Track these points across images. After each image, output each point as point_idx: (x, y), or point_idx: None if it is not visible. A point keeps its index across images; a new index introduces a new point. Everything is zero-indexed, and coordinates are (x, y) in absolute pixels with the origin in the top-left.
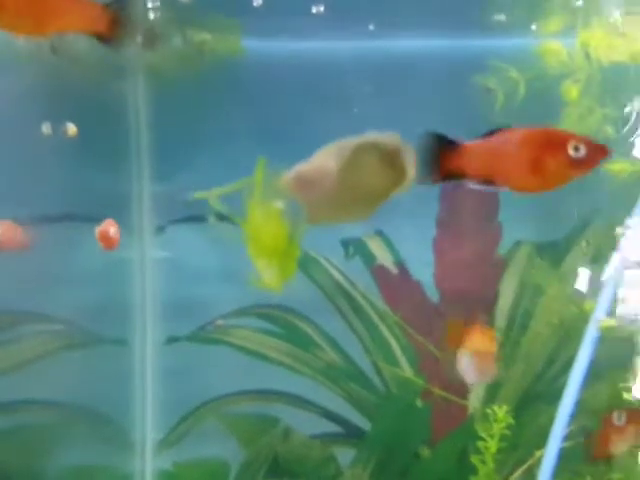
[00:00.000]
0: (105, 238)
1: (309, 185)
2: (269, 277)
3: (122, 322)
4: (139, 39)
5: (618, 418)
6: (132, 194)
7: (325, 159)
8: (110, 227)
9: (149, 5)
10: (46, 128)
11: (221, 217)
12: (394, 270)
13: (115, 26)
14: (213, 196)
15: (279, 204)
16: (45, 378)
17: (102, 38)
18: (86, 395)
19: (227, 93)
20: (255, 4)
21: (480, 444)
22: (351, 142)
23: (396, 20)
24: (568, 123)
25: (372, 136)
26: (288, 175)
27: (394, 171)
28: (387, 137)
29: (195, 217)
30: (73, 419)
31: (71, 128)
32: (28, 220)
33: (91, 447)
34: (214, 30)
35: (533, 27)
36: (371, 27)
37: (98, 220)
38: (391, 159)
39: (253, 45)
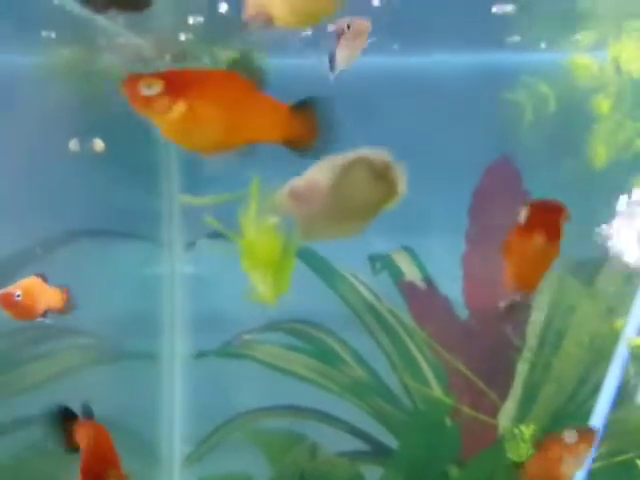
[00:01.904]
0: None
1: (302, 200)
2: (264, 291)
3: (151, 336)
4: (168, 57)
5: (569, 436)
6: (162, 210)
7: (317, 175)
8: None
9: (179, 23)
10: (74, 145)
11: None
12: (422, 286)
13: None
14: (202, 203)
15: (273, 219)
16: (76, 391)
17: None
18: (115, 408)
19: None
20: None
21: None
22: (342, 158)
23: (424, 37)
24: (599, 137)
25: (363, 152)
26: (282, 191)
27: (384, 186)
28: (377, 153)
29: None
30: None
31: (99, 144)
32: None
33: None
34: (240, 49)
35: (563, 41)
36: (395, 46)
37: (129, 236)
38: (381, 174)
39: (278, 62)
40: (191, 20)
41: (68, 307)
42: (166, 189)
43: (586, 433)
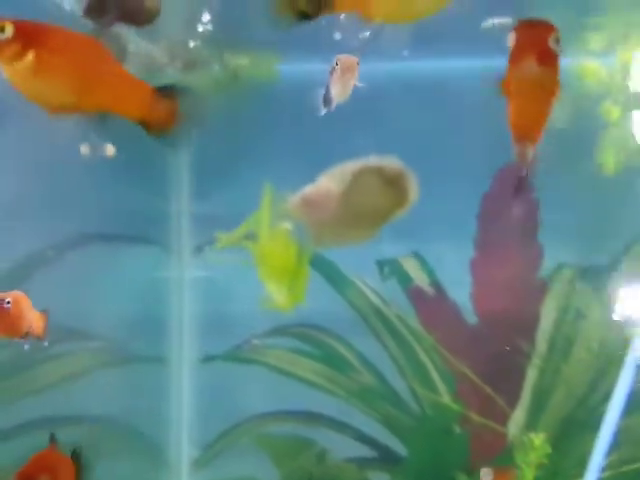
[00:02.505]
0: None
1: (314, 207)
2: (280, 298)
3: (160, 340)
4: (179, 63)
5: (486, 475)
6: (172, 215)
7: (329, 182)
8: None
9: (189, 30)
10: (84, 149)
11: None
12: (430, 291)
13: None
14: (225, 242)
15: (287, 226)
16: (85, 394)
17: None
18: (124, 411)
19: (264, 115)
20: (289, 29)
21: (517, 473)
22: (353, 166)
23: (433, 43)
24: (608, 143)
25: (374, 160)
26: (294, 198)
27: (395, 193)
28: (388, 161)
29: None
30: (111, 435)
31: (109, 148)
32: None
33: (128, 463)
34: (250, 55)
35: (572, 47)
36: (405, 52)
37: (139, 240)
38: (392, 182)
39: (287, 69)
40: (201, 27)
41: (45, 334)
42: (175, 194)
43: (502, 472)
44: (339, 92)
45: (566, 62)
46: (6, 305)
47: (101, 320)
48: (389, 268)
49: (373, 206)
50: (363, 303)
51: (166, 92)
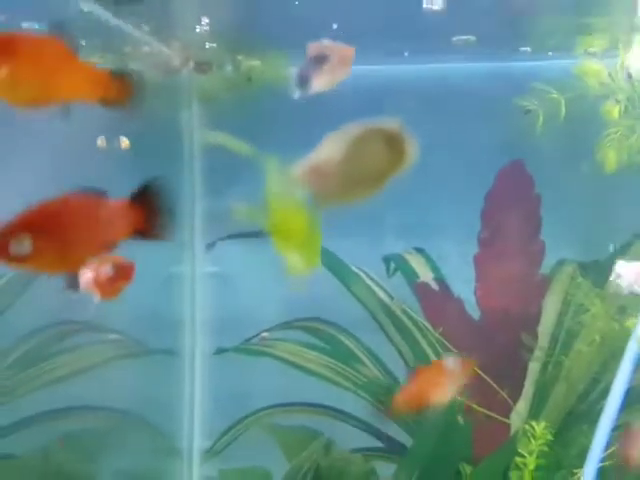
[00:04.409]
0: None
1: (318, 172)
2: (297, 264)
3: (173, 333)
4: (192, 65)
5: (450, 362)
6: (185, 211)
7: (330, 146)
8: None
9: (202, 32)
10: (100, 142)
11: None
12: (435, 287)
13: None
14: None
15: (295, 194)
16: (99, 386)
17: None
18: (137, 403)
19: (276, 115)
20: (297, 32)
21: (519, 460)
22: (354, 128)
23: (433, 44)
24: (610, 142)
25: (373, 122)
26: (298, 166)
27: (396, 154)
28: (388, 122)
29: (243, 234)
30: (124, 426)
31: (124, 141)
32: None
33: (140, 453)
34: (262, 57)
35: (574, 48)
36: (406, 53)
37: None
38: (392, 142)
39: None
40: (215, 29)
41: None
42: (189, 191)
43: (464, 360)
44: (324, 84)
45: (568, 63)
46: (108, 271)
47: (116, 314)
48: (395, 263)
49: (374, 166)
50: (370, 298)
51: (119, 74)
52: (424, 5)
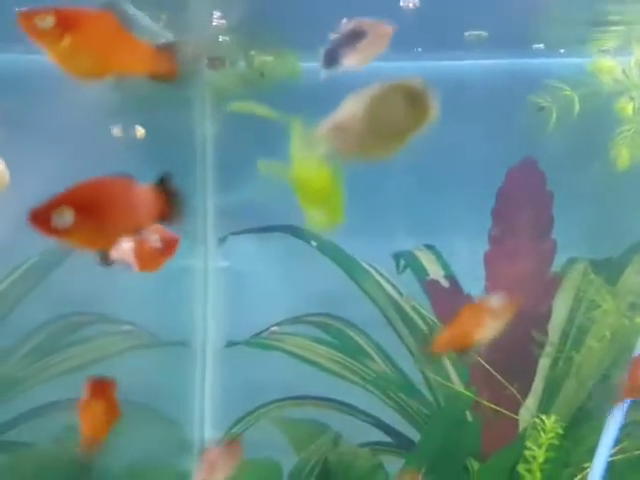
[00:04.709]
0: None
1: (341, 129)
2: (320, 220)
3: (185, 326)
4: (205, 60)
5: (493, 300)
6: (197, 205)
7: (353, 104)
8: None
9: (215, 27)
10: (116, 131)
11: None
12: (445, 284)
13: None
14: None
15: (318, 152)
16: (113, 375)
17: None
18: (149, 394)
19: (288, 111)
20: (308, 27)
21: (528, 453)
22: (377, 86)
23: (447, 40)
24: (623, 140)
25: (396, 79)
26: (322, 126)
27: (418, 110)
28: (410, 79)
29: (255, 229)
30: (136, 416)
31: (139, 131)
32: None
33: (151, 445)
34: (275, 52)
35: (587, 44)
36: (419, 49)
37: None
38: (415, 99)
39: (310, 66)
40: (229, 23)
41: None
42: (201, 185)
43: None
44: (357, 61)
45: (581, 60)
46: (154, 242)
47: (129, 305)
48: (405, 260)
49: (397, 123)
50: (380, 294)
51: (165, 48)
52: (401, 3)
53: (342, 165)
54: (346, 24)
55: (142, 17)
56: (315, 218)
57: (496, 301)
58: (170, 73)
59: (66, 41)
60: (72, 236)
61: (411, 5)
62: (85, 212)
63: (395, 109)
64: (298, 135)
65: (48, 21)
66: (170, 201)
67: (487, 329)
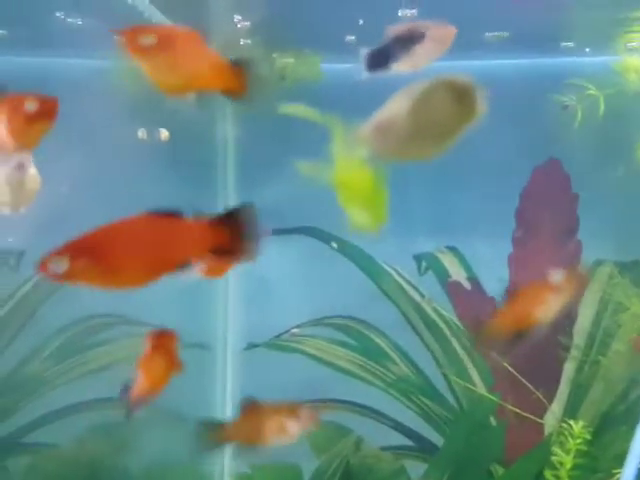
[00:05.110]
0: None
1: (385, 128)
2: (363, 221)
3: (206, 328)
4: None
5: (556, 275)
6: (217, 208)
7: (398, 103)
8: None
9: (238, 29)
10: (141, 133)
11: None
12: (468, 286)
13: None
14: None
15: (361, 152)
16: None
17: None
18: (169, 396)
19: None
20: (330, 30)
21: (555, 459)
22: (422, 83)
23: (472, 39)
24: None
25: (442, 75)
26: (365, 126)
27: (465, 107)
28: (458, 75)
29: (276, 231)
30: (157, 418)
31: (164, 133)
32: None
33: (172, 446)
34: (296, 54)
35: (613, 44)
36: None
37: None
38: (461, 96)
39: (331, 68)
40: (251, 25)
41: None
42: (222, 187)
43: (571, 274)
44: (417, 63)
45: (608, 59)
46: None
47: (151, 307)
48: (427, 262)
49: (443, 122)
50: (401, 296)
51: (237, 64)
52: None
53: (385, 165)
54: (401, 25)
55: (164, 21)
56: (357, 219)
57: (559, 278)
58: (241, 88)
59: (162, 58)
60: (83, 279)
61: (409, 14)
62: (92, 258)
63: (442, 107)
64: (340, 136)
65: (150, 39)
66: (233, 236)
67: (549, 307)
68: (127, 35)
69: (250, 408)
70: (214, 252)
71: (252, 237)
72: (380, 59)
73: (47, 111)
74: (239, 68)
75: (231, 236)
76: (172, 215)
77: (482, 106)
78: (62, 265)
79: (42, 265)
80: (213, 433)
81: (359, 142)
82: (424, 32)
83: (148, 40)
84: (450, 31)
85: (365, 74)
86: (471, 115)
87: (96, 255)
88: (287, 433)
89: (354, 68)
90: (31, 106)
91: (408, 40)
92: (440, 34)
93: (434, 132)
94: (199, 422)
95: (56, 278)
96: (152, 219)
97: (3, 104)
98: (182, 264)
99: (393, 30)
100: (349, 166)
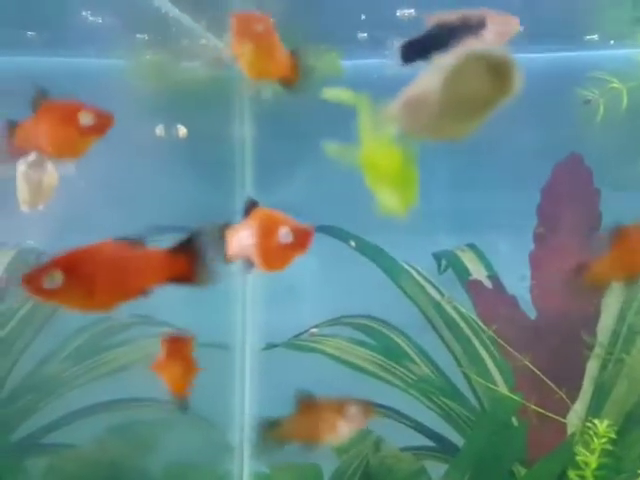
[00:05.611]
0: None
1: (416, 108)
2: (392, 203)
3: (224, 328)
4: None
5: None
6: (235, 207)
7: (430, 75)
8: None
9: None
10: (159, 130)
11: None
12: (488, 284)
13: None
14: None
15: (390, 130)
16: (153, 378)
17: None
18: (189, 396)
19: (328, 109)
20: (348, 28)
21: (579, 459)
22: (455, 55)
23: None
24: None
25: (477, 47)
26: (394, 103)
27: (500, 81)
28: (492, 48)
29: None
30: (175, 418)
31: (182, 130)
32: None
33: (191, 446)
34: (315, 51)
35: (635, 37)
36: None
37: None
38: (496, 70)
39: (350, 65)
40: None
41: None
42: (239, 187)
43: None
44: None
45: (630, 52)
46: (285, 236)
47: (170, 307)
48: (446, 260)
49: (477, 95)
50: (421, 295)
51: (294, 54)
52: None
53: (415, 144)
54: (447, 14)
55: (184, 18)
56: (387, 201)
57: None
58: (294, 79)
59: (265, 44)
60: (62, 298)
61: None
62: (76, 277)
63: (476, 81)
64: (367, 115)
65: (261, 26)
66: (191, 263)
67: None
68: (240, 20)
69: (306, 404)
70: (172, 280)
71: (210, 263)
72: (418, 50)
73: (101, 126)
74: (296, 58)
75: (187, 264)
76: (134, 243)
77: (519, 80)
78: (53, 281)
79: (27, 282)
80: (271, 432)
81: (388, 120)
82: (484, 21)
83: (259, 28)
84: (515, 22)
85: (396, 68)
86: (507, 90)
87: (68, 276)
88: (344, 430)
89: (385, 62)
90: (86, 119)
91: (463, 29)
92: (503, 23)
93: (467, 108)
94: (258, 422)
95: (39, 295)
96: (115, 247)
97: (52, 110)
98: (142, 292)
99: (436, 18)
100: (377, 146)
